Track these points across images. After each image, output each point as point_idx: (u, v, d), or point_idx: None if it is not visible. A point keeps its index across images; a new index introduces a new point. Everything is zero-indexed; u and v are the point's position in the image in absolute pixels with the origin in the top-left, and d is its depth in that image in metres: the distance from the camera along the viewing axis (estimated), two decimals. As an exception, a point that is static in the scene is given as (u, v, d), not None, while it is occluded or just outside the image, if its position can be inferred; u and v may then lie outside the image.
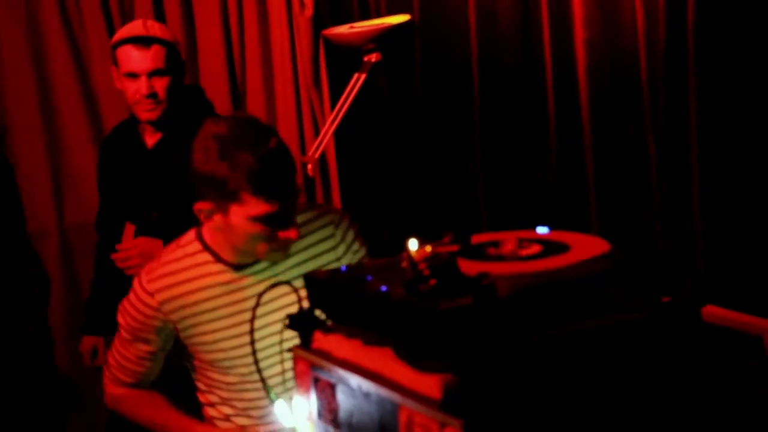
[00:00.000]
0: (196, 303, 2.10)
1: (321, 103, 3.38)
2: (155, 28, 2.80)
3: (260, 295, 1.67)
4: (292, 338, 1.48)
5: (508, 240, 1.39)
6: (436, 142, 3.02)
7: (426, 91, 3.06)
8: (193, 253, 2.11)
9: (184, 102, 2.84)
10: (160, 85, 2.76)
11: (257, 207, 1.92)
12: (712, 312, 1.45)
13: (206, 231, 2.10)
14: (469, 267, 1.29)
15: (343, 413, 1.34)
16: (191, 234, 2.14)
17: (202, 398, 2.25)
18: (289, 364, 1.50)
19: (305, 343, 1.44)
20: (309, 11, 3.32)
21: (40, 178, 3.72)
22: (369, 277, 1.35)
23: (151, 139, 2.89)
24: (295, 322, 1.48)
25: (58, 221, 3.74)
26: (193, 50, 3.69)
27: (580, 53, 2.64)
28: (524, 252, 1.38)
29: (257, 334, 1.89)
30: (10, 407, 3.48)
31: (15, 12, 3.78)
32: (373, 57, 2.87)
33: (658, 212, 2.60)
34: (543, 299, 1.25)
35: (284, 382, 1.85)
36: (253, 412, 2.16)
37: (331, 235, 2.15)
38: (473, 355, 1.18)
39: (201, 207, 1.99)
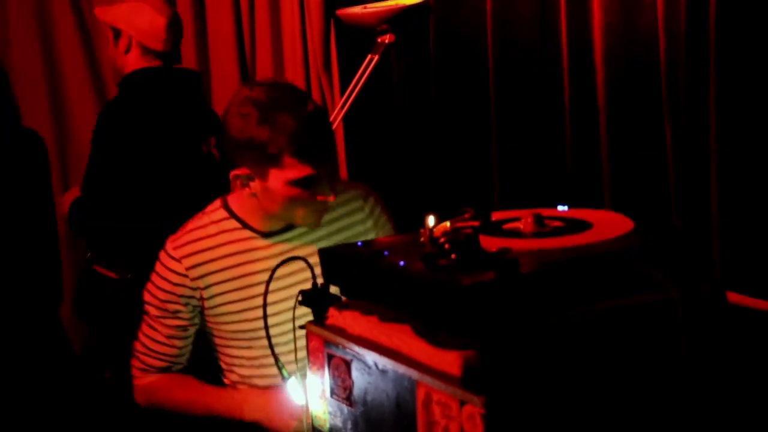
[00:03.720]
0: (223, 269, 2.07)
1: (331, 86, 3.36)
2: None
3: (274, 270, 1.65)
4: (309, 313, 1.44)
5: (530, 216, 1.36)
6: (449, 124, 2.99)
7: (440, 73, 3.02)
8: (219, 220, 2.10)
9: None
10: None
11: (298, 170, 1.91)
12: (732, 298, 1.42)
13: (232, 199, 2.10)
14: (489, 243, 1.26)
15: (357, 391, 1.31)
16: (216, 203, 2.13)
17: (225, 380, 2.20)
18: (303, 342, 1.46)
19: (319, 320, 1.41)
20: (321, -7, 3.28)
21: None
22: (386, 252, 1.31)
23: None
24: (308, 298, 1.45)
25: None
26: (203, 32, 3.67)
27: (597, 35, 2.59)
28: (546, 229, 1.35)
29: (276, 308, 1.84)
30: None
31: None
32: (387, 38, 2.84)
33: (674, 199, 2.56)
34: (566, 276, 1.22)
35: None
36: None
37: (360, 208, 2.16)
38: (494, 332, 1.14)
39: (238, 173, 1.98)
